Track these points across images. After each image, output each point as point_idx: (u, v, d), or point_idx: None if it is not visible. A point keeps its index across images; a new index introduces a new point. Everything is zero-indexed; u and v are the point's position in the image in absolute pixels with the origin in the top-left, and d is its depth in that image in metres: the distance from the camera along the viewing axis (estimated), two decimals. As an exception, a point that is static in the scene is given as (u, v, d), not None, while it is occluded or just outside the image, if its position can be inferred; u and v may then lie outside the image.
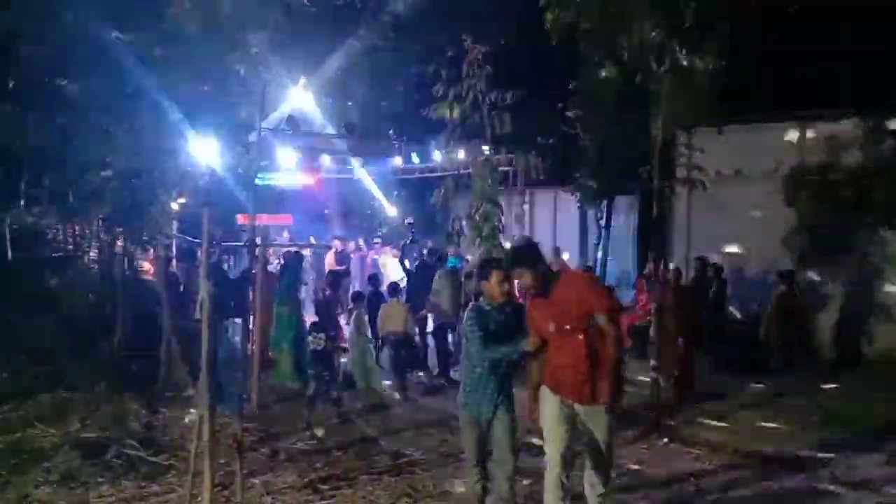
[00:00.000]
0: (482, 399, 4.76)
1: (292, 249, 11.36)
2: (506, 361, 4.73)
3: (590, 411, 4.45)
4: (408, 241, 14.21)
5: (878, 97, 10.55)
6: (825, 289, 11.63)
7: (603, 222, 16.35)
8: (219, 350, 7.05)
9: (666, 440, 7.23)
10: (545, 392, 4.58)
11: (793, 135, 12.02)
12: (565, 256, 15.93)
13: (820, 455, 6.70)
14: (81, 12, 7.97)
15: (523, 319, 4.71)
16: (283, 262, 12.17)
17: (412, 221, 15.30)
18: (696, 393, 8.81)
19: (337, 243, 14.51)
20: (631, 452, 6.83)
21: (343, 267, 13.57)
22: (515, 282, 4.67)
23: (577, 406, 4.48)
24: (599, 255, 16.35)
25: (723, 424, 7.82)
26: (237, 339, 8.85)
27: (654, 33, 7.10)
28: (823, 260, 11.67)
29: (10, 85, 8.74)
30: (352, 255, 14.95)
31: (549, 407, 4.54)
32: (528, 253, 4.66)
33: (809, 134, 11.88)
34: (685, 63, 7.40)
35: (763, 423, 7.85)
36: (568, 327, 4.38)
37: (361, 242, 16.10)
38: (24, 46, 8.49)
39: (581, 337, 4.36)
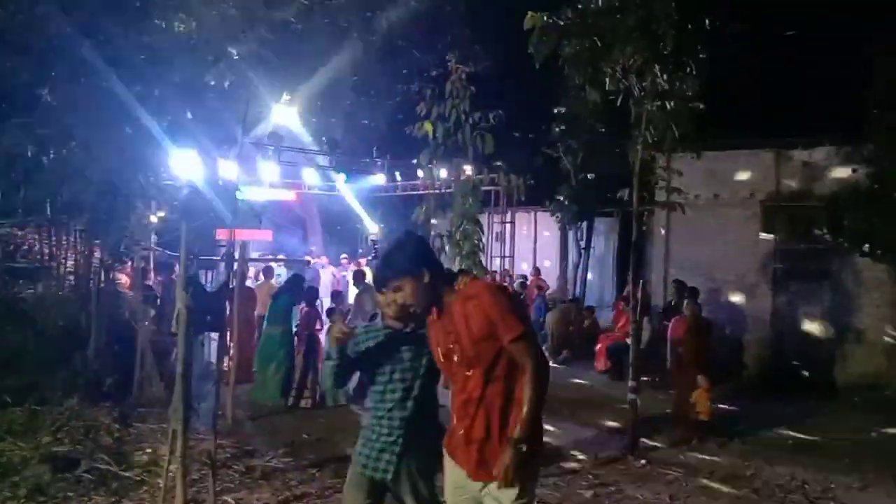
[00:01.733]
0: (374, 450, 3.54)
1: (292, 271, 11.34)
2: (416, 402, 3.51)
3: (489, 491, 2.92)
4: (370, 258, 14.32)
5: (852, 125, 10.79)
6: (799, 314, 11.80)
7: (583, 243, 16.50)
8: (194, 364, 7.02)
9: (643, 461, 7.25)
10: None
11: (769, 161, 12.24)
12: (543, 276, 16.03)
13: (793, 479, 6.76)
14: (62, 23, 7.94)
15: (423, 348, 3.41)
16: (263, 276, 12.14)
17: (375, 239, 15.35)
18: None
19: (310, 259, 14.56)
20: (608, 473, 6.84)
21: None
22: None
23: (470, 482, 3.00)
24: (579, 275, 16.48)
25: (701, 447, 7.87)
26: (213, 353, 8.77)
27: (634, 58, 7.21)
28: (798, 285, 11.85)
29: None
30: (321, 271, 14.98)
31: (446, 478, 3.17)
32: (410, 255, 3.12)
33: (785, 161, 12.10)
34: (665, 87, 7.52)
35: (740, 447, 7.91)
36: (456, 359, 3.01)
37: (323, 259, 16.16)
38: (2, 56, 8.43)
39: (471, 374, 2.97)
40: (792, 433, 8.52)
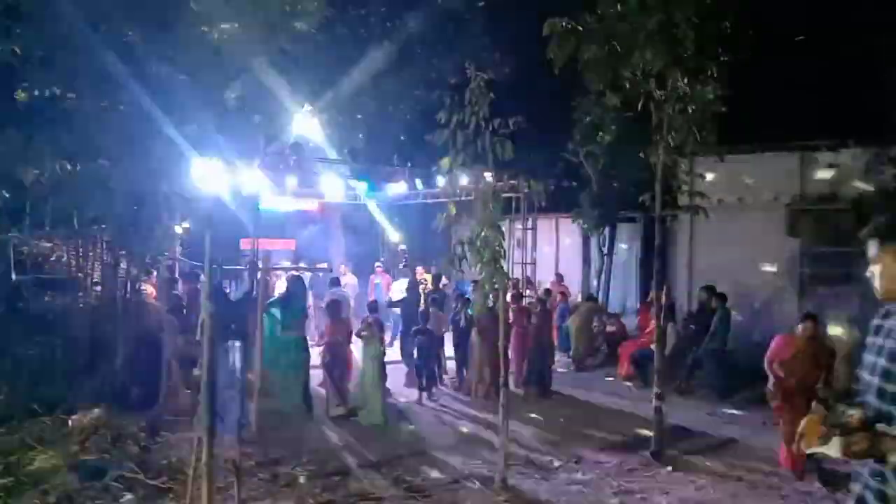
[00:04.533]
0: None
1: (294, 273, 11.35)
2: None
3: None
4: (401, 266, 14.34)
5: (878, 127, 10.64)
6: (827, 319, 11.60)
7: (605, 249, 16.38)
8: (219, 373, 7.07)
9: (670, 468, 7.17)
10: None
11: (793, 164, 12.10)
12: (566, 282, 15.95)
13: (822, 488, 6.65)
14: (88, 37, 8.08)
15: None
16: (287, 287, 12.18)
17: (405, 248, 15.39)
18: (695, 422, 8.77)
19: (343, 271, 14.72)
20: (634, 480, 6.78)
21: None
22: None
23: None
24: (602, 280, 16.36)
25: (728, 453, 7.77)
26: (238, 361, 8.82)
27: (654, 62, 7.17)
28: (826, 289, 11.67)
29: (16, 108, 8.81)
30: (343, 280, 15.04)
31: None
32: None
33: (810, 163, 11.96)
34: (687, 91, 7.47)
35: (768, 454, 7.79)
36: None
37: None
38: (30, 70, 8.59)
39: None
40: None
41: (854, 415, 2.62)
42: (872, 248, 2.82)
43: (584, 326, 13.26)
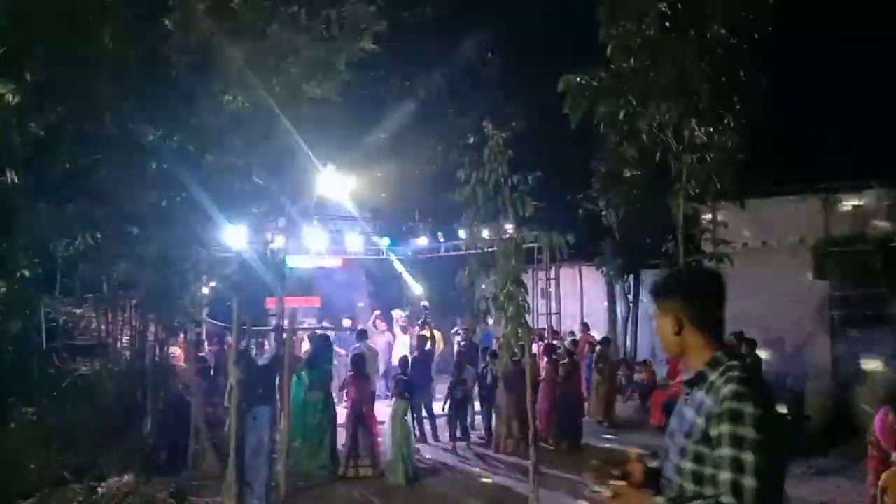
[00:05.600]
0: None
1: (318, 333, 11.40)
2: None
3: None
4: (419, 322, 14.33)
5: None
6: (859, 360, 11.37)
7: (630, 297, 16.28)
8: (247, 437, 7.08)
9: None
10: None
11: (816, 206, 12.02)
12: (593, 332, 15.79)
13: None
14: (120, 106, 8.34)
15: None
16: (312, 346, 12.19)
17: (427, 304, 15.39)
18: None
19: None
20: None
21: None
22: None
23: None
24: (629, 328, 16.21)
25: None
26: (266, 426, 8.81)
27: (669, 114, 7.26)
28: (857, 331, 11.46)
29: (48, 180, 9.07)
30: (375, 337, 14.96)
31: None
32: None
33: (833, 205, 11.88)
34: (704, 139, 7.53)
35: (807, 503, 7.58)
36: None
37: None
38: (62, 143, 8.85)
39: None
40: (861, 488, 8.10)
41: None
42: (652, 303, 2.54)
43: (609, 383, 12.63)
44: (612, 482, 2.35)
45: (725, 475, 2.07)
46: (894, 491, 6.36)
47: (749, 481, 2.04)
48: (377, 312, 15.75)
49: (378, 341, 13.92)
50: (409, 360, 11.05)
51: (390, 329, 15.00)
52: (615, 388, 13.02)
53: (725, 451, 2.09)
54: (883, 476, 6.51)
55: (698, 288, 2.40)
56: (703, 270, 2.86)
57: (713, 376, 2.23)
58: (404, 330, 15.33)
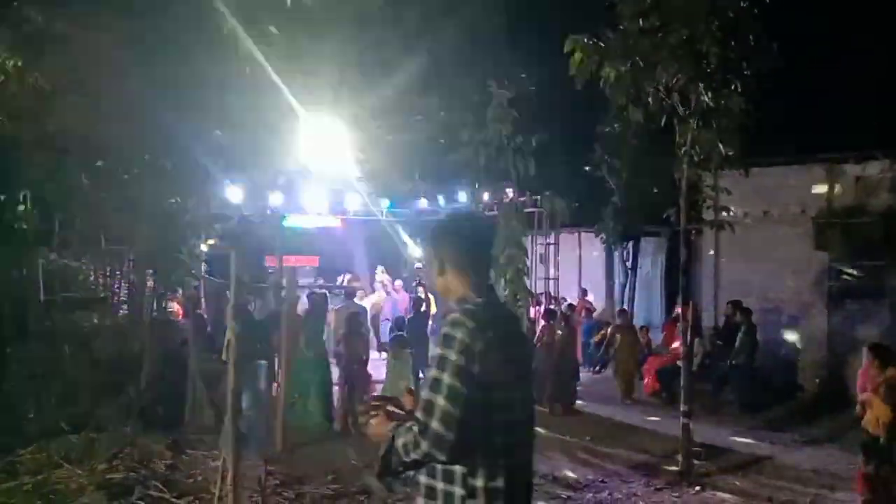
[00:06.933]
0: None
1: (317, 291, 11.38)
2: None
3: None
4: (416, 283, 14.41)
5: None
6: (857, 333, 11.41)
7: (629, 264, 16.28)
8: (244, 392, 7.10)
9: (698, 488, 7.06)
10: None
11: (820, 176, 11.94)
12: (591, 297, 15.84)
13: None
14: (118, 62, 8.19)
15: None
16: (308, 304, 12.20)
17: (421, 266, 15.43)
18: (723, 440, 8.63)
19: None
20: (662, 499, 6.68)
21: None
22: None
23: None
24: (627, 295, 16.24)
25: (757, 471, 7.64)
26: (263, 380, 8.85)
27: (677, 77, 7.13)
28: (855, 303, 11.48)
29: (46, 132, 8.96)
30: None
31: None
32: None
33: (837, 175, 11.80)
34: (711, 105, 7.41)
35: (798, 473, 7.65)
36: None
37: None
38: (60, 94, 8.72)
39: None
40: (854, 458, 8.19)
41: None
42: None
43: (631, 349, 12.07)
44: (377, 412, 2.46)
45: (424, 393, 2.18)
46: (872, 407, 6.37)
47: (441, 402, 2.11)
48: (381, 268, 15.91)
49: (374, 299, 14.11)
50: (406, 319, 11.06)
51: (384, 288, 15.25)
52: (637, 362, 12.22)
53: (430, 372, 2.20)
54: (864, 396, 6.57)
55: (456, 233, 2.52)
56: (462, 216, 3.09)
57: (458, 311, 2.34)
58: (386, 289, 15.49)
